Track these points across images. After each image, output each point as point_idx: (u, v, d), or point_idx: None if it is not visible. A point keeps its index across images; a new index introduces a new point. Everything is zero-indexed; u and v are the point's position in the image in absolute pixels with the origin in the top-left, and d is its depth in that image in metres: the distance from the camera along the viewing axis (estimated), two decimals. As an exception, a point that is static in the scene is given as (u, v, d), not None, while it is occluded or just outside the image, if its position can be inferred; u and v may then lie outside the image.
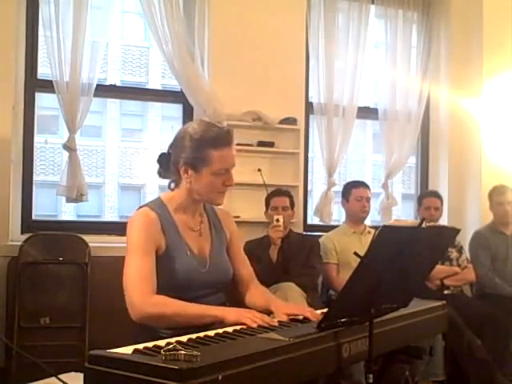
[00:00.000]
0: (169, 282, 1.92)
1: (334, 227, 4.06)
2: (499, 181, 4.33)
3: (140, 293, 1.82)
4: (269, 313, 1.95)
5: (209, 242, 2.08)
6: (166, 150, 2.08)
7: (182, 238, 1.99)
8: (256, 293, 2.16)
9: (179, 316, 1.82)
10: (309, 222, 4.54)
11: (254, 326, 1.72)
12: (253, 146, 4.15)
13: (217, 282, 2.05)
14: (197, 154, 1.93)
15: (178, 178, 2.02)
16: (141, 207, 2.02)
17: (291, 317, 1.88)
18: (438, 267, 3.70)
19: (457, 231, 2.04)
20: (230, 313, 1.81)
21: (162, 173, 2.09)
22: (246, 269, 2.20)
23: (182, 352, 1.24)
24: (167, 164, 2.04)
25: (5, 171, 3.65)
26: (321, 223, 4.45)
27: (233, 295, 2.18)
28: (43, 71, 3.90)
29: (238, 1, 4.17)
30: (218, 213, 2.18)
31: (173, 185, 2.06)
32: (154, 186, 14.20)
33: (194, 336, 1.57)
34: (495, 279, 4.04)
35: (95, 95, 3.79)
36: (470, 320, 3.55)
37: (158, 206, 2.01)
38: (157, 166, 2.11)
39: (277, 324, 1.76)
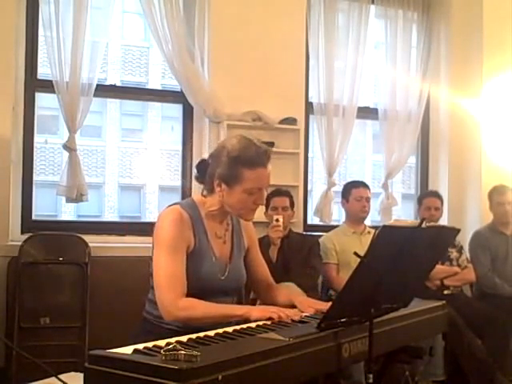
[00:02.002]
0: (189, 283, 1.95)
1: (334, 227, 4.06)
2: (499, 181, 4.33)
3: (170, 296, 1.88)
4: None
5: (230, 250, 2.13)
6: (205, 157, 2.14)
7: (210, 243, 2.04)
8: (277, 291, 2.25)
9: (207, 318, 1.88)
10: (309, 222, 4.54)
11: (280, 318, 1.79)
12: (253, 146, 4.14)
13: (231, 289, 2.10)
14: (231, 171, 1.97)
15: (212, 189, 2.05)
16: (172, 205, 2.05)
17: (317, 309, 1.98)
18: (438, 267, 3.70)
19: (457, 231, 2.05)
20: (254, 311, 1.88)
21: (200, 178, 2.12)
22: (265, 270, 2.29)
23: (182, 352, 1.24)
24: (205, 171, 2.07)
25: (5, 171, 3.64)
26: (321, 223, 4.44)
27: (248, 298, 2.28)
28: (43, 71, 3.90)
29: (238, 1, 4.17)
30: (241, 221, 2.22)
31: (205, 192, 2.09)
32: (154, 186, 14.21)
33: (193, 336, 1.57)
34: (495, 279, 4.04)
35: (95, 95, 3.79)
36: (470, 320, 3.54)
37: (190, 206, 2.04)
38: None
39: (300, 317, 1.82)
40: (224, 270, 2.06)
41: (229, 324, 1.87)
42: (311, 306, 2.01)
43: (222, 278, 2.05)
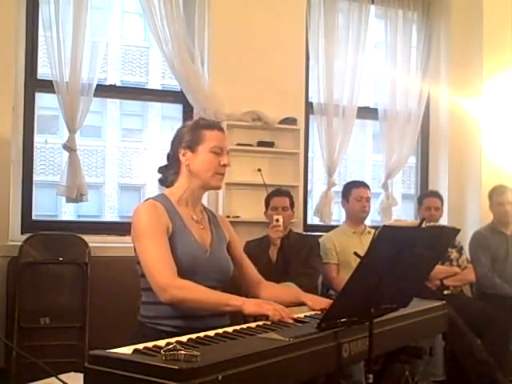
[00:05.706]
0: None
1: (334, 227, 4.06)
2: (499, 181, 4.33)
3: (165, 275, 1.90)
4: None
5: (209, 235, 2.16)
6: (165, 163, 2.23)
7: (187, 227, 2.08)
8: (275, 288, 2.28)
9: (201, 303, 1.91)
10: (309, 222, 4.54)
11: (276, 318, 1.77)
12: (253, 146, 4.15)
13: (218, 272, 2.11)
14: (193, 135, 2.11)
15: (178, 169, 2.14)
16: (145, 201, 2.12)
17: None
18: (438, 267, 3.70)
19: (457, 231, 2.05)
20: (250, 304, 1.87)
21: (164, 180, 2.21)
22: (252, 269, 2.32)
23: (182, 352, 1.24)
24: (167, 169, 2.20)
25: (5, 171, 3.65)
26: (321, 223, 4.45)
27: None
28: (43, 71, 3.90)
29: (238, 1, 4.17)
30: (217, 216, 2.31)
31: (172, 177, 2.17)
32: (154, 186, 14.19)
33: (193, 336, 1.57)
34: (495, 279, 4.03)
35: (95, 95, 3.79)
36: (470, 320, 3.54)
37: (161, 198, 2.11)
38: (157, 174, 2.24)
39: (292, 320, 1.79)
40: (206, 250, 2.09)
41: (224, 319, 1.90)
42: (323, 308, 1.96)
43: (206, 256, 2.06)
